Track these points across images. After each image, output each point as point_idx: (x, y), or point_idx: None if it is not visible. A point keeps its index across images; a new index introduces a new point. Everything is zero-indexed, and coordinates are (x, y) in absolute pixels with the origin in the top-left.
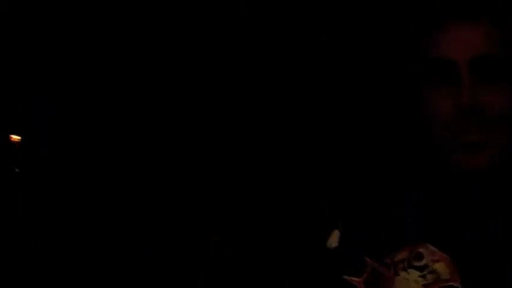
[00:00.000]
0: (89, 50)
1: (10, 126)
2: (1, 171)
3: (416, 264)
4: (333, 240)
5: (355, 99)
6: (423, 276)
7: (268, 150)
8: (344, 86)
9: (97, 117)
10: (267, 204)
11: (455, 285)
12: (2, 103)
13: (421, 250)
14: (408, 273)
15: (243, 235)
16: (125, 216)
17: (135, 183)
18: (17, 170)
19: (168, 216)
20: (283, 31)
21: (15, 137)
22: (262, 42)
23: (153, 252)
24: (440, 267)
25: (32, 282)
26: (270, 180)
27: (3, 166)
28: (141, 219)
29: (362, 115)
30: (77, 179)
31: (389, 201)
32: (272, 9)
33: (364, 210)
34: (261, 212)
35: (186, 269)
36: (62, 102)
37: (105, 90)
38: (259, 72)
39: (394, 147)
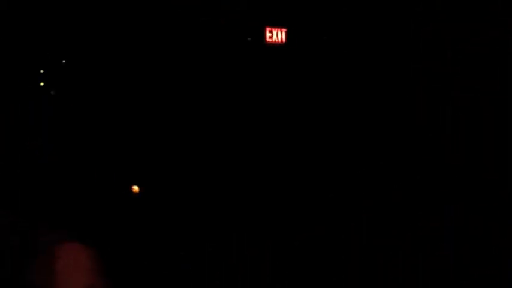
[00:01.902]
0: (89, 50)
1: (10, 126)
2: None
3: None
4: None
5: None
6: None
7: (303, 170)
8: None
9: (97, 117)
10: (304, 218)
11: None
12: (2, 103)
13: None
14: None
15: (280, 249)
16: (161, 229)
17: (165, 194)
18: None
19: (205, 230)
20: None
21: (135, 188)
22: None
23: (190, 266)
24: None
25: None
26: (306, 194)
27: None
28: (178, 233)
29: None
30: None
31: (426, 216)
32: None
33: (402, 225)
34: (297, 226)
35: (223, 283)
36: (61, 102)
37: (105, 90)
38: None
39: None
